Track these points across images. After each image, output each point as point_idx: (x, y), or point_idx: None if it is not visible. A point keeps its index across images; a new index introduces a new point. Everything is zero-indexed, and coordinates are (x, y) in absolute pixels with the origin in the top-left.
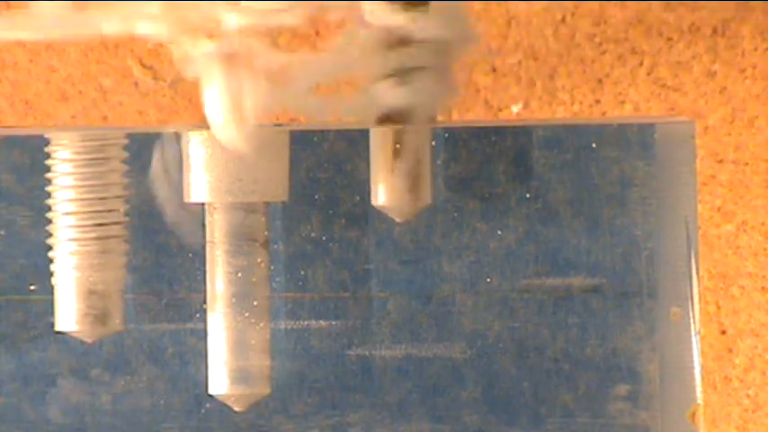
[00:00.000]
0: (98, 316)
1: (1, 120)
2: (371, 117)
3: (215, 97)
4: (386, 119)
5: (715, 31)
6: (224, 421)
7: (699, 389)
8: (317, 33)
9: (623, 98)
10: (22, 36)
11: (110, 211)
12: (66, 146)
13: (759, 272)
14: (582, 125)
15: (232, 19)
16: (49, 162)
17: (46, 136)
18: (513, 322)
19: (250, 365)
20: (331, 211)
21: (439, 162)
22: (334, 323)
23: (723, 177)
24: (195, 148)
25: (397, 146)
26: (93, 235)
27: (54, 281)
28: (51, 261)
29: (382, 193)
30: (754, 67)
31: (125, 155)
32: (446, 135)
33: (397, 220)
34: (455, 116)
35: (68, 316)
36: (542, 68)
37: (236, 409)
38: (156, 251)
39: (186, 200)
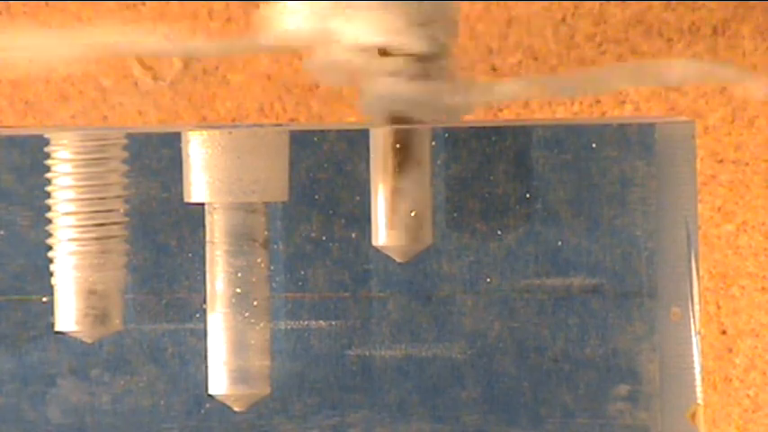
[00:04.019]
0: (98, 316)
1: (1, 120)
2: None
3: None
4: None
5: (715, 31)
6: (224, 421)
7: (699, 389)
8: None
9: (623, 98)
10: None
11: (110, 211)
12: (65, 146)
13: (759, 272)
14: (582, 125)
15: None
16: (48, 162)
17: (46, 136)
18: (513, 322)
19: (250, 365)
20: (331, 211)
21: (439, 162)
22: (334, 323)
23: (723, 177)
24: (195, 148)
25: (397, 146)
26: (93, 235)
27: (54, 281)
28: (51, 261)
29: (383, 234)
30: (755, 67)
31: (125, 155)
32: (446, 135)
33: (398, 260)
34: None
35: (68, 316)
36: (542, 68)
37: (235, 409)
38: (156, 251)
39: (186, 200)
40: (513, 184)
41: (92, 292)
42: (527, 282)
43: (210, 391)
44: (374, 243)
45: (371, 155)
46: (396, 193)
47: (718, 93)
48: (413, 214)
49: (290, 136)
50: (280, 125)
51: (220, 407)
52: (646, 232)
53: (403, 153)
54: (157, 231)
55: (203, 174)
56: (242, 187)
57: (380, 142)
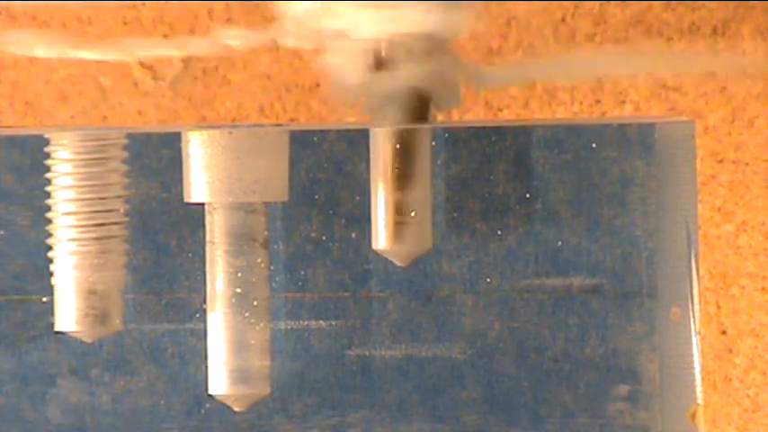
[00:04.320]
0: (98, 316)
1: (1, 120)
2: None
3: None
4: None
5: (715, 30)
6: (224, 421)
7: (699, 389)
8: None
9: (623, 98)
10: None
11: (110, 211)
12: (66, 146)
13: (759, 272)
14: (582, 125)
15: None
16: (48, 162)
17: (46, 136)
18: (513, 322)
19: (250, 365)
20: (331, 211)
21: (439, 162)
22: (334, 323)
23: (723, 177)
24: (195, 148)
25: (397, 146)
26: (93, 235)
27: (54, 281)
28: (51, 261)
29: (383, 238)
30: (755, 67)
31: (125, 155)
32: (446, 135)
33: (398, 264)
34: (455, 116)
35: (68, 316)
36: (542, 68)
37: (235, 409)
38: (156, 251)
39: (186, 200)
40: (513, 184)
41: (92, 292)
42: (527, 282)
43: (210, 391)
44: (374, 247)
45: (371, 155)
46: (396, 196)
47: (718, 93)
48: (413, 214)
49: (290, 136)
50: (280, 125)
51: (220, 407)
52: (646, 232)
53: (403, 153)
54: (157, 231)
55: (203, 174)
56: (242, 187)
57: (380, 142)
